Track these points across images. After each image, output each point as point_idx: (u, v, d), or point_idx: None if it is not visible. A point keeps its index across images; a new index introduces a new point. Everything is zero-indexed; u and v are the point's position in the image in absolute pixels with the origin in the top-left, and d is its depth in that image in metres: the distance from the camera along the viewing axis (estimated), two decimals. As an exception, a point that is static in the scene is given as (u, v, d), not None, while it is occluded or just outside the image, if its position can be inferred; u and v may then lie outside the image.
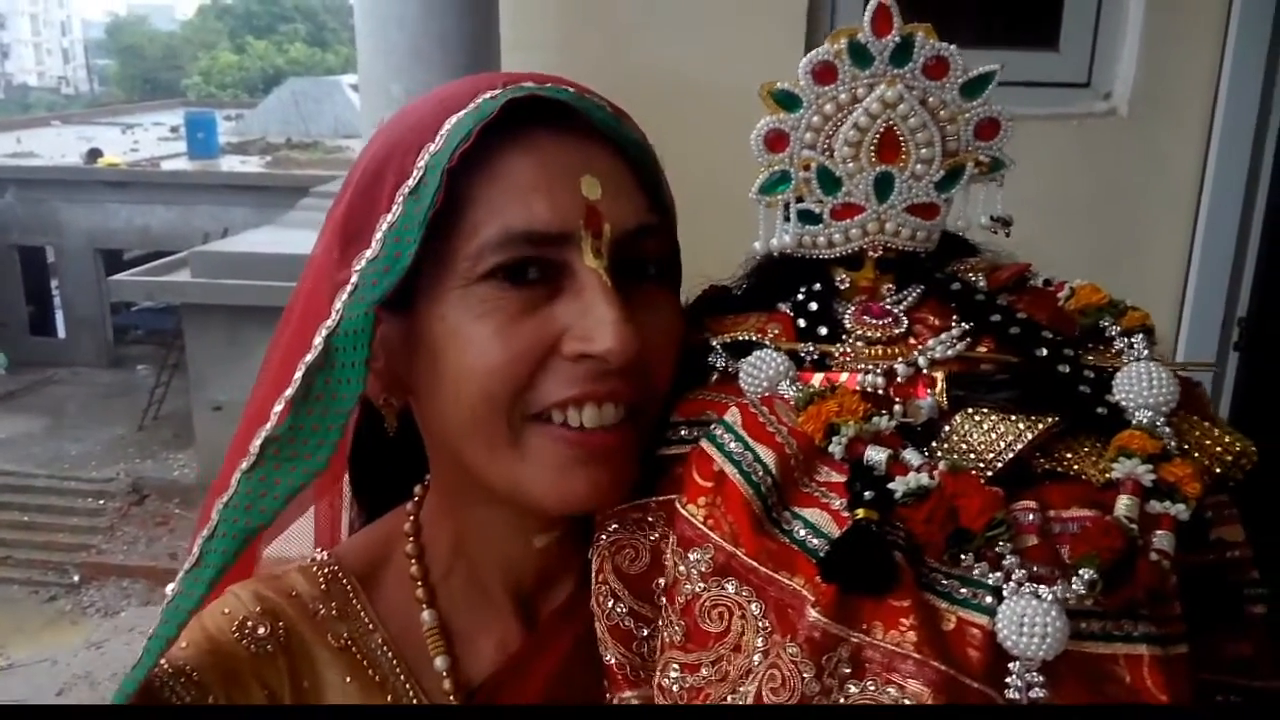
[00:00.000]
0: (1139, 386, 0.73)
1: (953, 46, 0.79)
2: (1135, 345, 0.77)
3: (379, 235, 0.78)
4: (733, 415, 0.77)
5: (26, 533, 11.23)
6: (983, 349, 0.78)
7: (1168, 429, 0.72)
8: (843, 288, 0.84)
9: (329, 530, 1.06)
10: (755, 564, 0.71)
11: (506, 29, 2.39)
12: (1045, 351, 0.76)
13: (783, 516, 0.73)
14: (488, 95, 0.79)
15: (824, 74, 0.79)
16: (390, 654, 0.90)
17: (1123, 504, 0.68)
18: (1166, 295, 2.58)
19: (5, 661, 9.04)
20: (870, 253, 0.82)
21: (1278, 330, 2.61)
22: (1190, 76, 2.48)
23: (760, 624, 0.71)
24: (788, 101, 0.80)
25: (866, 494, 0.69)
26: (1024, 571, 0.66)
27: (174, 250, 12.46)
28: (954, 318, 0.80)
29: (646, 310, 0.80)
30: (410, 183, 0.77)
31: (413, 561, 0.94)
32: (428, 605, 0.92)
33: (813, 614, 0.67)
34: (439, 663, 0.89)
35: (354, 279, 0.78)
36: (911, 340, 0.80)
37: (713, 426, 0.78)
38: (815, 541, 0.71)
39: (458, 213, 0.78)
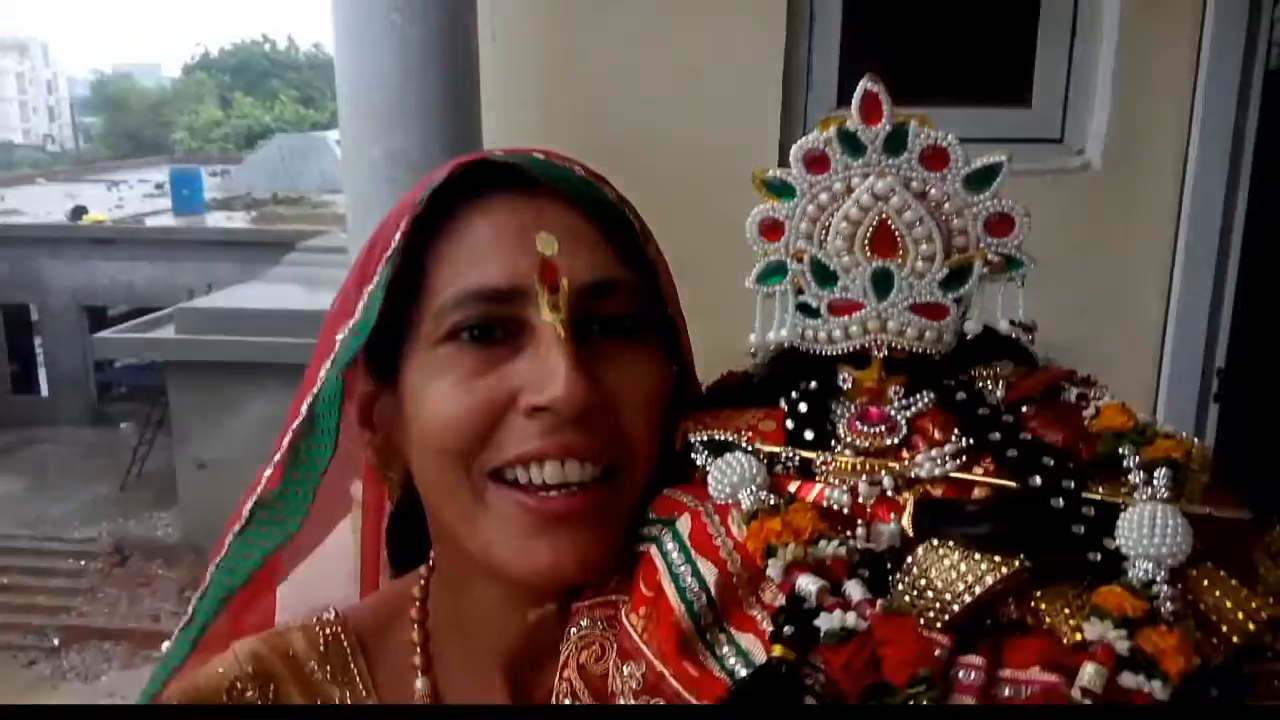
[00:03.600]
0: (1139, 533, 0.62)
1: (952, 136, 0.72)
2: (1156, 482, 0.65)
3: (360, 303, 0.80)
4: (684, 523, 0.73)
5: (7, 595, 11.05)
6: (979, 470, 0.69)
7: (1167, 586, 0.62)
8: (845, 387, 0.76)
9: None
10: (680, 689, 0.66)
11: (487, 88, 2.41)
12: (1040, 480, 0.66)
13: (717, 638, 0.67)
14: (455, 166, 0.81)
15: (816, 163, 0.75)
16: None
17: (1086, 673, 0.59)
18: (1145, 348, 2.60)
19: (-18, 728, 8.86)
20: (875, 352, 0.74)
21: (1257, 380, 2.63)
22: (1162, 130, 2.51)
23: None
24: (781, 189, 0.76)
25: (786, 629, 0.63)
26: None
27: (159, 306, 12.44)
28: (955, 431, 0.72)
29: (614, 364, 0.79)
30: (389, 251, 0.79)
31: (414, 626, 0.92)
32: (423, 674, 0.90)
33: None
34: None
35: (336, 346, 0.81)
36: (905, 453, 0.71)
37: (662, 531, 0.74)
38: (743, 671, 0.65)
39: (425, 279, 0.80)
